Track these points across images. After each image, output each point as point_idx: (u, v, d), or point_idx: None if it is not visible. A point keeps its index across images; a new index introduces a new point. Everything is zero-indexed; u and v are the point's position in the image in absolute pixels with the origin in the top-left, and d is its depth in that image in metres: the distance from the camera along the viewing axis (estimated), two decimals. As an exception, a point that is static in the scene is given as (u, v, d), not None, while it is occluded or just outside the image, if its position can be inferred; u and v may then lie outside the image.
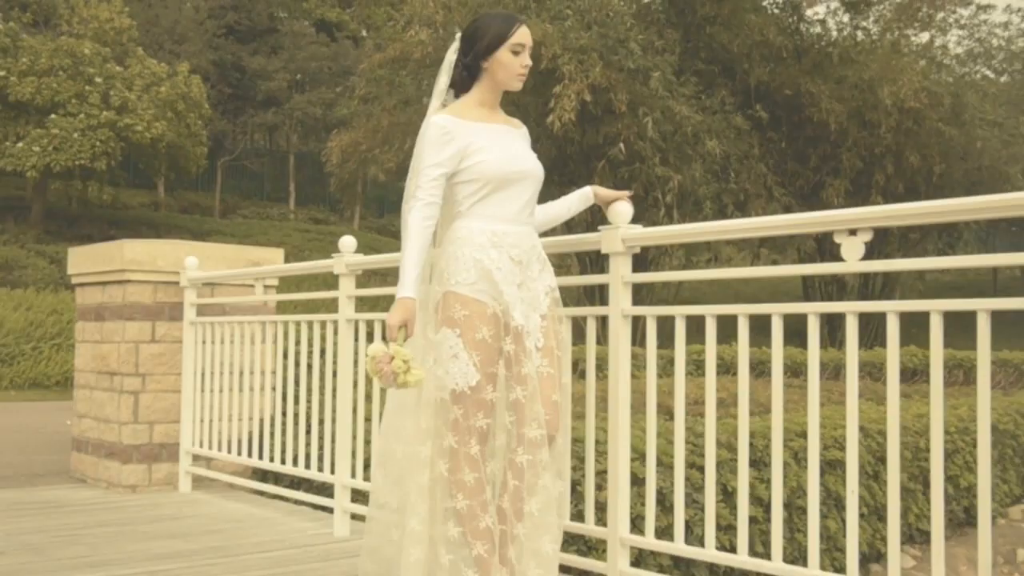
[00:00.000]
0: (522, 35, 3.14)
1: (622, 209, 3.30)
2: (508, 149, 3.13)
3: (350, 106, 23.01)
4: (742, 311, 2.93)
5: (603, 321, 3.41)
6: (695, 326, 3.14)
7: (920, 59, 17.57)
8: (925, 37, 18.51)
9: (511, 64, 3.13)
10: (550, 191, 13.99)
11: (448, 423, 2.99)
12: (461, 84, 3.22)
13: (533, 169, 3.17)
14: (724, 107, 15.37)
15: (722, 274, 3.16)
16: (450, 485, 2.96)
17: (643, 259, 15.97)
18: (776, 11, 17.43)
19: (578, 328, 3.67)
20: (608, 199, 3.40)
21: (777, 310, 2.90)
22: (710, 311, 3.01)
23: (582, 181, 15.83)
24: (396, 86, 18.73)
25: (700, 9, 16.29)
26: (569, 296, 17.26)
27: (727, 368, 9.73)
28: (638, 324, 3.70)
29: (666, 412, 4.79)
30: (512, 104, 15.72)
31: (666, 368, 5.24)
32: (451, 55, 3.23)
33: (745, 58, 16.28)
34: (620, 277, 3.24)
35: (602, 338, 3.52)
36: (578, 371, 5.30)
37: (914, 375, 10.24)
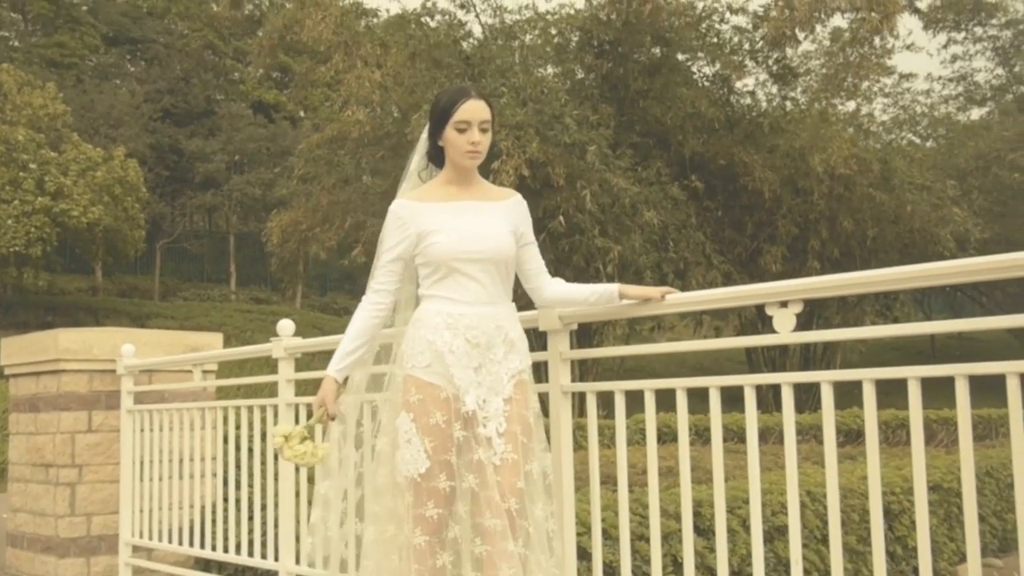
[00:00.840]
0: (466, 111, 3.03)
1: None
2: (466, 229, 3.02)
3: (289, 186, 23.03)
4: (680, 385, 2.96)
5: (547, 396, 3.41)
6: (639, 395, 3.16)
7: (848, 127, 18.04)
8: (852, 106, 19.04)
9: (457, 142, 3.05)
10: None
11: (402, 508, 2.93)
12: (436, 159, 3.20)
13: (492, 249, 3.04)
14: (660, 178, 15.61)
15: (659, 348, 3.19)
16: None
17: (587, 331, 16.06)
18: (707, 84, 17.83)
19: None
20: (639, 297, 3.16)
21: (714, 383, 2.93)
22: (648, 385, 3.03)
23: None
24: (335, 165, 18.79)
25: (633, 84, 16.61)
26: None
27: (673, 436, 9.73)
28: (583, 397, 3.71)
29: (612, 483, 4.78)
30: (451, 180, 15.87)
31: (613, 438, 5.23)
32: (424, 132, 3.21)
33: (679, 130, 16.59)
34: (559, 354, 3.26)
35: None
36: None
37: (858, 437, 10.34)
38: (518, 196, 3.26)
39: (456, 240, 3.00)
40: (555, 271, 13.22)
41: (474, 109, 3.04)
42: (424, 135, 3.21)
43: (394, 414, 3.02)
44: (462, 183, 3.14)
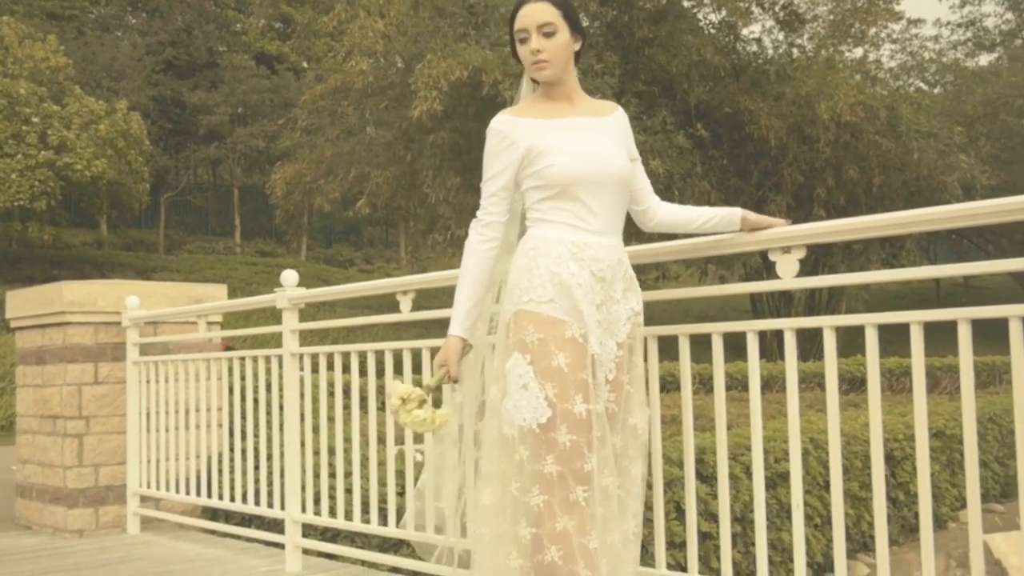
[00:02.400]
0: (520, 18, 2.70)
1: None
2: (584, 147, 2.67)
3: (293, 138, 22.95)
4: (683, 332, 2.96)
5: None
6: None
7: (855, 74, 17.88)
8: (859, 52, 18.84)
9: (522, 55, 2.72)
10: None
11: (513, 465, 2.56)
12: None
13: (615, 170, 2.69)
14: (666, 127, 15.52)
15: (661, 295, 3.16)
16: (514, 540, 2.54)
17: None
18: (712, 31, 17.66)
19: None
20: (761, 226, 2.83)
21: (717, 329, 2.93)
22: (651, 332, 3.02)
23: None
24: (338, 116, 18.71)
25: (638, 31, 16.45)
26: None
27: (677, 385, 9.78)
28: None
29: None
30: (456, 131, 15.81)
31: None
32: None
33: (684, 78, 16.46)
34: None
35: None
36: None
37: (862, 384, 10.37)
38: (621, 109, 2.90)
39: (577, 161, 2.64)
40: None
41: (529, 13, 2.68)
42: None
43: (504, 357, 2.64)
44: (560, 97, 2.77)
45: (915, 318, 2.50)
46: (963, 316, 2.41)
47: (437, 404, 2.79)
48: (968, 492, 2.41)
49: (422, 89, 13.99)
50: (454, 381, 2.73)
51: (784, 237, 2.70)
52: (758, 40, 18.20)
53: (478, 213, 2.75)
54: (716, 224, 2.85)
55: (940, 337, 2.46)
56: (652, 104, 16.08)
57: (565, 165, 2.62)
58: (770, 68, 16.85)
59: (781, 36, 18.24)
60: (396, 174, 17.30)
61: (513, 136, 2.68)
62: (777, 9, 17.64)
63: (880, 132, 16.48)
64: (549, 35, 2.67)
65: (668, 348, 3.17)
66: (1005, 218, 2.39)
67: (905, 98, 18.27)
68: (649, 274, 18.71)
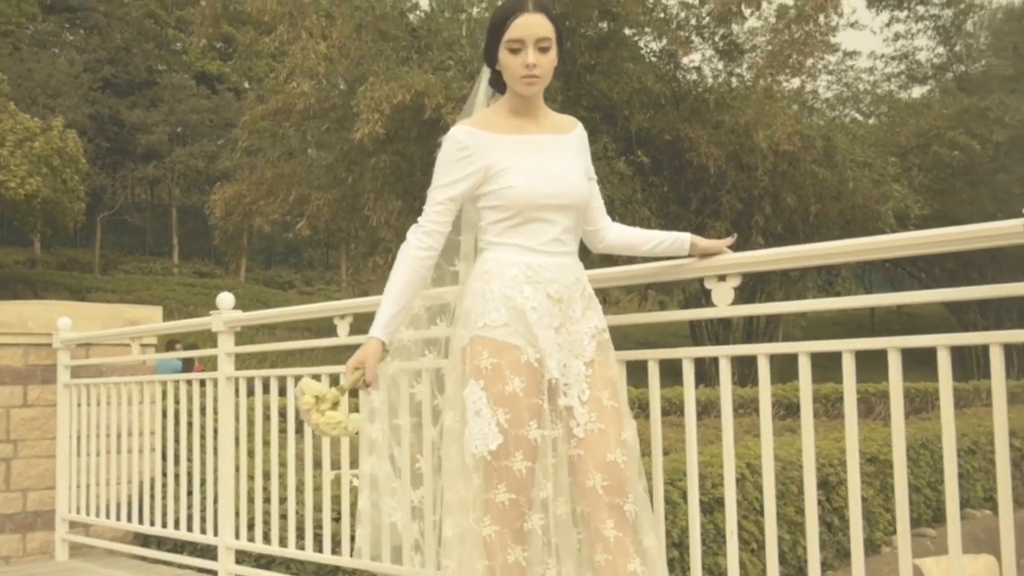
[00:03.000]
0: (519, 27, 2.57)
1: None
2: (543, 169, 2.61)
3: (233, 158, 22.77)
4: (621, 358, 2.97)
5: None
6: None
7: (792, 104, 18.19)
8: (796, 83, 19.20)
9: (511, 66, 2.60)
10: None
11: (471, 494, 2.51)
12: (498, 85, 2.75)
13: (574, 193, 2.64)
14: (607, 153, 15.64)
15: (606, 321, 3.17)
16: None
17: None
18: (654, 59, 17.86)
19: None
20: (711, 251, 2.79)
21: (653, 355, 2.95)
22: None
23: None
24: (279, 138, 18.62)
25: (580, 58, 16.59)
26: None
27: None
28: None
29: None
30: (398, 154, 15.79)
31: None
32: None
33: (626, 105, 16.61)
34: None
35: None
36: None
37: (799, 410, 10.48)
38: (580, 126, 2.82)
39: (537, 183, 2.57)
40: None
41: (529, 24, 2.57)
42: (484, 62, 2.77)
43: (460, 384, 2.58)
44: (528, 113, 2.68)
45: (847, 347, 2.54)
46: (893, 345, 2.46)
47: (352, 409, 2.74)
48: (898, 517, 2.45)
49: (364, 112, 13.97)
50: (367, 385, 2.64)
51: (720, 265, 2.73)
52: (698, 69, 18.46)
53: (420, 219, 2.67)
54: (666, 248, 2.82)
55: (874, 363, 2.50)
56: (593, 130, 16.18)
57: (524, 187, 2.56)
58: (710, 97, 17.07)
59: (721, 65, 18.52)
60: (337, 196, 17.24)
61: (472, 149, 2.59)
62: (717, 39, 17.90)
63: (816, 161, 16.76)
64: (545, 50, 2.60)
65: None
66: (938, 249, 2.44)
67: (841, 128, 18.63)
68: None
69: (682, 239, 2.81)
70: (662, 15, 17.40)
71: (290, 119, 17.55)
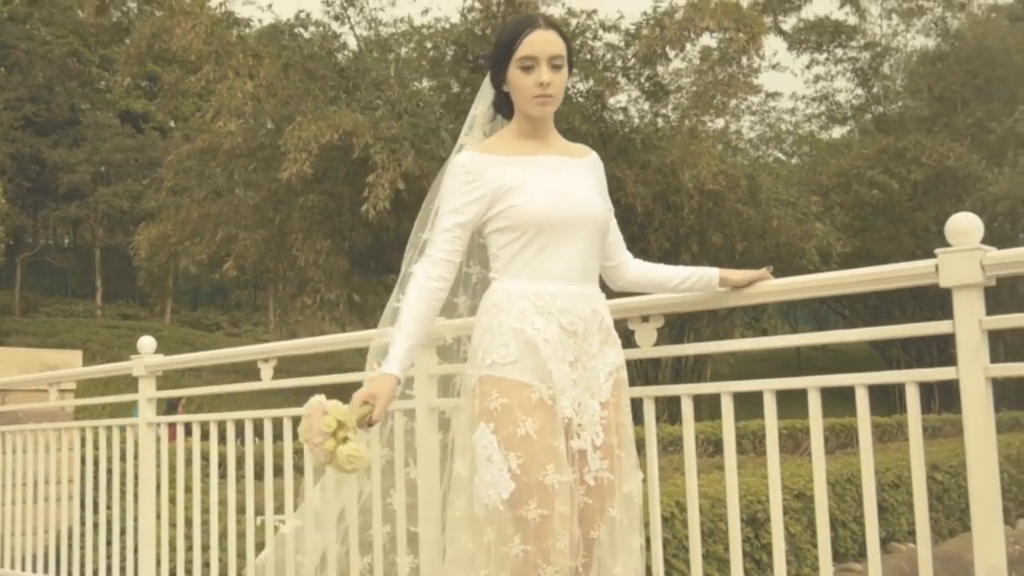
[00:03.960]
0: (531, 44, 2.44)
1: None
2: (554, 186, 2.45)
3: (158, 198, 22.47)
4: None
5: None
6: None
7: (717, 144, 18.52)
8: (721, 123, 19.57)
9: (522, 85, 2.45)
10: (367, 280, 13.83)
11: (482, 548, 2.31)
12: (504, 107, 2.61)
13: (590, 211, 2.47)
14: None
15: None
16: None
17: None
18: (581, 99, 18.06)
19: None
20: (743, 282, 2.63)
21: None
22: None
23: (398, 269, 15.84)
24: (206, 177, 18.43)
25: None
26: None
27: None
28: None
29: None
30: (327, 194, 15.71)
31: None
32: (487, 77, 2.62)
33: (553, 145, 16.73)
34: (425, 370, 3.20)
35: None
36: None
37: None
38: (595, 154, 2.67)
39: (546, 200, 2.42)
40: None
41: (542, 42, 2.44)
42: (486, 80, 2.62)
43: (470, 427, 2.40)
44: (537, 136, 2.53)
45: (768, 386, 2.58)
46: (813, 384, 2.50)
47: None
48: (820, 552, 2.48)
49: (292, 151, 13.90)
50: (370, 424, 2.42)
51: (642, 307, 2.75)
52: (624, 110, 18.71)
53: (428, 250, 2.50)
54: (693, 284, 2.67)
55: (801, 399, 2.53)
56: (522, 170, 16.28)
57: (531, 203, 2.41)
58: (636, 137, 17.29)
59: (647, 106, 18.79)
60: (265, 236, 17.09)
61: (477, 173, 2.45)
62: (642, 80, 18.17)
63: (741, 200, 17.05)
64: (557, 68, 2.47)
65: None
66: (856, 289, 2.50)
67: (764, 168, 19.00)
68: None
69: (710, 275, 2.65)
70: (589, 57, 17.64)
71: (217, 158, 17.39)
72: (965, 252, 2.25)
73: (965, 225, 2.27)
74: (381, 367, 2.46)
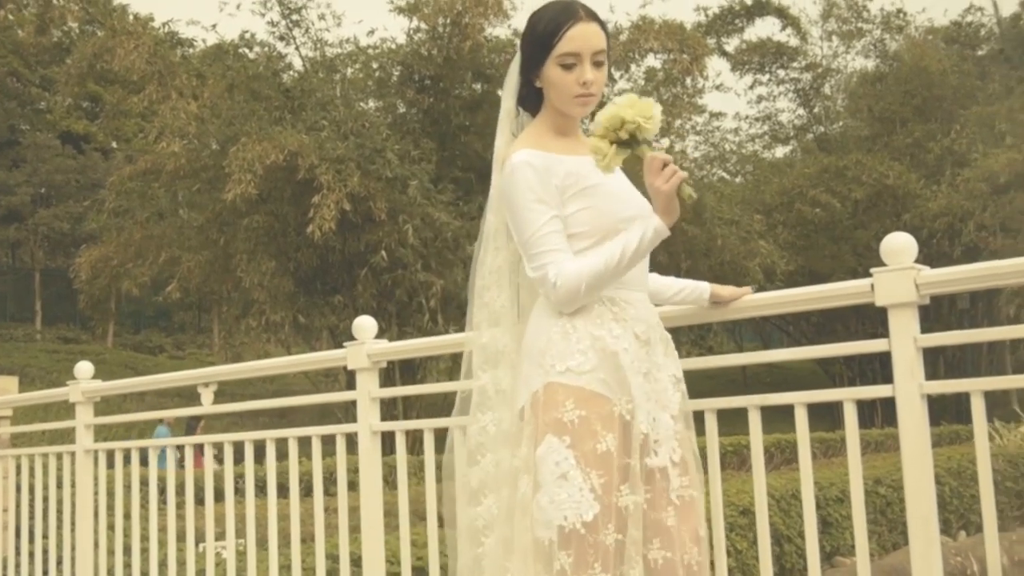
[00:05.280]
0: (574, 39, 2.25)
1: (366, 324, 3.20)
2: (615, 187, 2.33)
3: (100, 220, 22.13)
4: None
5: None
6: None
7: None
8: (665, 143, 19.65)
9: (562, 83, 2.28)
10: (313, 301, 13.68)
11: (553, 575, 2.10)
12: (529, 101, 2.42)
13: (646, 211, 2.30)
14: (482, 212, 15.73)
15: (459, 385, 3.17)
16: None
17: (411, 365, 15.97)
18: (527, 120, 18.16)
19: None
20: (731, 298, 2.59)
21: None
22: (456, 422, 3.01)
23: (345, 289, 15.84)
24: (149, 198, 18.18)
25: (454, 118, 16.75)
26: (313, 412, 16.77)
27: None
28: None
29: (441, 518, 4.74)
30: (272, 215, 15.58)
31: (440, 473, 5.21)
32: (514, 67, 2.41)
33: (500, 165, 16.79)
34: (367, 392, 3.20)
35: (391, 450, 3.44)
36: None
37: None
38: None
39: (618, 202, 2.28)
40: (377, 305, 12.98)
41: (585, 36, 2.26)
42: (514, 70, 2.40)
43: (533, 439, 2.19)
44: (571, 133, 2.36)
45: (709, 406, 2.61)
46: (753, 403, 2.53)
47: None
48: (761, 567, 2.50)
49: (236, 172, 13.78)
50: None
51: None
52: (571, 129, 18.78)
53: (541, 263, 2.22)
54: (686, 296, 2.61)
55: (747, 417, 2.56)
56: (469, 190, 16.31)
57: (603, 207, 2.27)
58: (582, 157, 17.35)
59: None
60: (209, 258, 16.91)
61: (549, 168, 2.26)
62: (589, 100, 18.31)
63: (686, 219, 17.19)
64: (599, 64, 2.30)
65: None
66: (796, 308, 2.54)
67: (709, 187, 19.18)
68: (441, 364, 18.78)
69: (701, 288, 2.60)
70: (535, 77, 17.73)
71: (160, 179, 17.18)
72: (899, 271, 2.29)
73: (899, 244, 2.30)
74: (655, 227, 2.25)
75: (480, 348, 2.38)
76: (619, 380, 2.18)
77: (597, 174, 2.29)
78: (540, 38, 2.29)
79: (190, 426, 11.98)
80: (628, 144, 2.20)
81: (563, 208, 2.26)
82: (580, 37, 2.26)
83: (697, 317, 2.68)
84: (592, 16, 2.31)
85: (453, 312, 15.47)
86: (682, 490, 2.24)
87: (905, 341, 2.30)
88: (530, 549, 2.14)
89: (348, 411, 14.31)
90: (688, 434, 2.31)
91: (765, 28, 38.74)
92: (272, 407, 3.77)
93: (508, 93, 2.43)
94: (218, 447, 3.68)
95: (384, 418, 3.21)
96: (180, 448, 4.10)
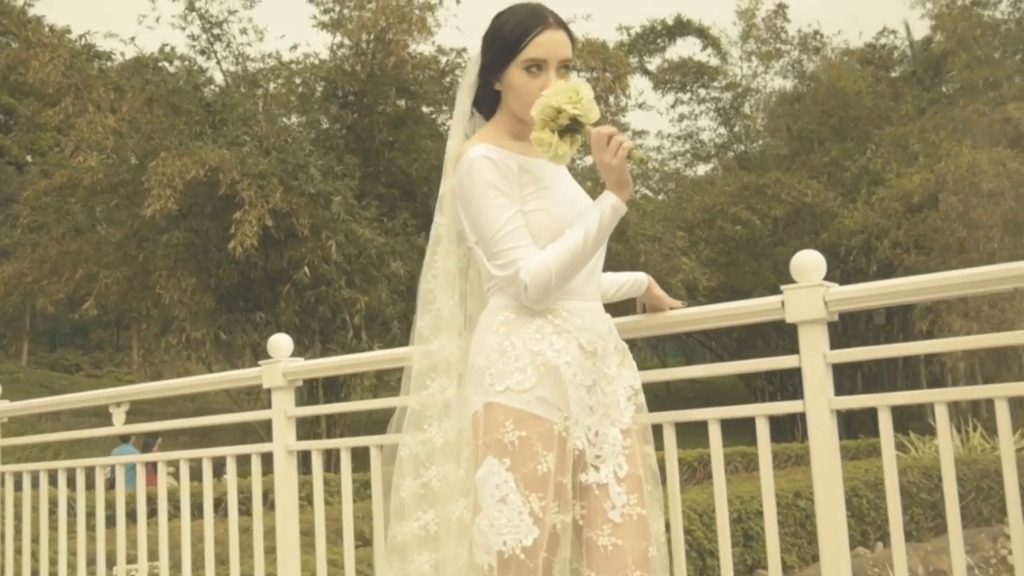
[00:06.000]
0: (541, 45, 2.20)
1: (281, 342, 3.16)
2: (568, 192, 2.29)
3: (13, 235, 21.57)
4: (344, 445, 2.94)
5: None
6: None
7: (587, 180, 18.81)
8: (589, 160, 19.87)
9: (524, 89, 2.21)
10: (235, 318, 13.50)
11: None
12: (485, 103, 2.35)
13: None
14: (407, 229, 15.71)
15: (385, 403, 3.16)
16: None
17: (335, 382, 15.83)
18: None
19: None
20: (658, 305, 2.58)
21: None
22: (375, 441, 2.99)
23: (267, 306, 15.65)
24: (64, 214, 17.78)
25: (378, 135, 16.70)
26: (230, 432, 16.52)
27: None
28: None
29: (359, 538, 4.69)
30: (192, 231, 15.35)
31: (358, 492, 5.16)
32: (472, 69, 2.34)
33: (424, 181, 16.77)
34: (283, 411, 3.16)
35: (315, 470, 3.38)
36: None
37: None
38: None
39: (570, 205, 2.21)
40: (300, 322, 12.82)
41: (553, 43, 2.21)
42: (472, 72, 2.33)
43: (473, 461, 2.13)
44: (525, 138, 2.23)
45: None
46: (667, 420, 2.55)
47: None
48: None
49: (156, 187, 13.57)
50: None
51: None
52: (494, 146, 18.84)
53: (508, 260, 2.14)
54: (628, 291, 2.59)
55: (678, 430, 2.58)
56: (393, 207, 16.27)
57: (554, 210, 2.19)
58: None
59: (518, 143, 18.97)
60: (128, 274, 16.61)
61: (506, 162, 2.17)
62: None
63: (611, 235, 17.32)
64: (564, 72, 2.27)
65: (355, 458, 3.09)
66: (716, 324, 2.57)
67: (631, 204, 19.27)
68: (394, 375, 18.66)
69: (641, 280, 2.60)
70: (458, 94, 17.78)
71: (76, 194, 16.82)
72: (809, 288, 2.33)
73: (809, 262, 2.35)
74: (611, 200, 2.21)
75: (426, 355, 2.31)
76: (560, 395, 2.11)
77: (551, 177, 2.25)
78: (506, 40, 2.23)
79: (147, 444, 11.88)
80: (571, 129, 2.15)
81: (522, 205, 2.19)
82: (549, 44, 2.22)
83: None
84: (561, 24, 2.27)
85: (377, 329, 15.39)
86: (628, 508, 2.14)
87: (815, 357, 2.34)
88: (466, 573, 2.10)
89: (270, 430, 14.13)
90: (643, 449, 2.23)
91: (686, 48, 39.33)
92: (190, 426, 3.70)
93: (464, 94, 2.36)
94: (152, 465, 3.60)
95: (307, 436, 3.18)
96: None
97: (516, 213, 2.14)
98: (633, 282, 2.59)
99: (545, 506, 2.03)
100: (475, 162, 2.16)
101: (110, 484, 5.45)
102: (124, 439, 12.24)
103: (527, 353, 2.11)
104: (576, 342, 2.15)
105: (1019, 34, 20.92)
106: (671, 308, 2.60)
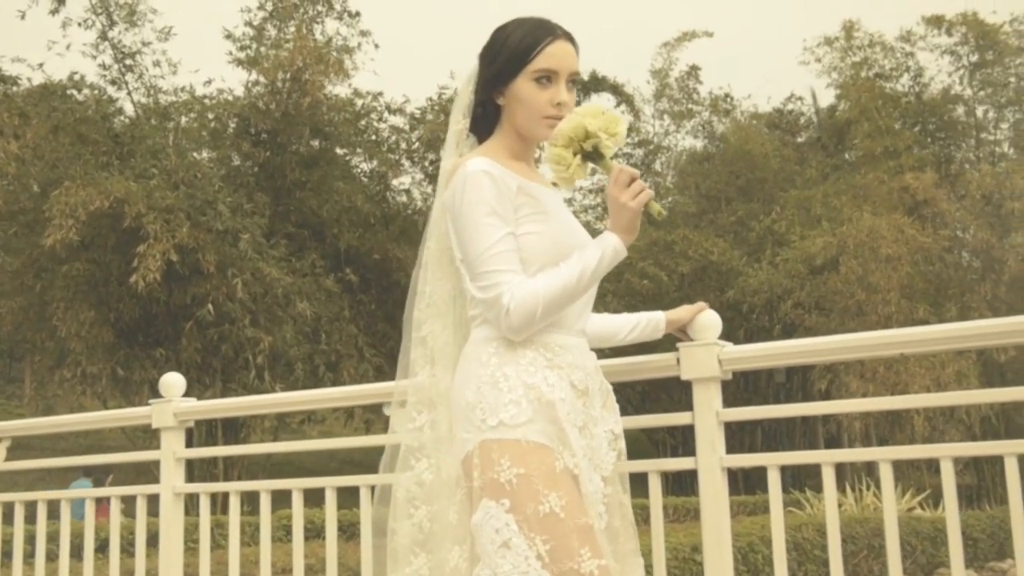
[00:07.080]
0: (552, 56, 2.12)
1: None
2: (564, 217, 2.18)
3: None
4: (295, 485, 2.90)
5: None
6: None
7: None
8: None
9: (534, 101, 2.13)
10: (134, 353, 13.19)
11: None
12: (479, 124, 2.25)
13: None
14: (315, 270, 15.59)
15: (280, 448, 3.11)
16: None
17: (235, 424, 15.51)
18: (364, 179, 18.14)
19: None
20: (684, 320, 2.46)
21: (329, 483, 2.90)
22: (264, 486, 2.94)
23: (168, 342, 15.30)
24: (-42, 240, 17.27)
25: (290, 174, 16.59)
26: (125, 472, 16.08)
27: (317, 533, 9.54)
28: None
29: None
30: (93, 262, 14.98)
31: (253, 536, 5.05)
32: (468, 87, 2.24)
33: (335, 223, 16.70)
34: (172, 453, 3.08)
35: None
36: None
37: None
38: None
39: (562, 232, 2.11)
40: (202, 360, 12.59)
41: (564, 54, 2.13)
42: (467, 89, 2.24)
43: (467, 508, 2.01)
44: (526, 158, 2.20)
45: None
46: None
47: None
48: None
49: (58, 217, 13.26)
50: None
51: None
52: (408, 191, 18.89)
53: (492, 282, 2.02)
54: (641, 332, 2.45)
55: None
56: (302, 247, 16.13)
57: (558, 236, 2.10)
58: (419, 219, 17.46)
59: (430, 189, 19.02)
60: (23, 304, 16.14)
61: (505, 180, 2.07)
62: (426, 163, 18.44)
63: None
64: (572, 86, 2.19)
65: (311, 494, 3.05)
66: (615, 379, 2.59)
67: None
68: (295, 417, 18.39)
69: (657, 319, 2.45)
70: (373, 137, 17.78)
71: (-26, 222, 16.36)
72: (703, 346, 2.37)
73: (705, 321, 2.39)
74: (611, 241, 2.12)
75: (416, 388, 2.19)
76: (558, 432, 1.98)
77: (550, 201, 2.16)
78: (515, 51, 2.14)
79: (99, 479, 11.75)
80: (591, 157, 2.10)
81: (516, 227, 2.08)
82: (560, 55, 2.15)
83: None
84: (568, 36, 2.21)
85: (280, 370, 15.16)
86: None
87: (707, 414, 2.38)
88: None
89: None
90: (622, 498, 2.14)
91: (600, 103, 39.90)
92: (75, 464, 3.59)
93: (459, 112, 2.26)
94: (8, 506, 3.47)
95: (204, 477, 3.10)
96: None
97: (507, 235, 2.04)
98: (648, 321, 2.45)
99: (553, 549, 1.87)
100: (472, 176, 2.07)
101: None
102: (86, 473, 12.06)
103: (521, 385, 1.99)
104: (568, 379, 2.06)
105: (918, 107, 21.71)
106: (699, 312, 2.50)
